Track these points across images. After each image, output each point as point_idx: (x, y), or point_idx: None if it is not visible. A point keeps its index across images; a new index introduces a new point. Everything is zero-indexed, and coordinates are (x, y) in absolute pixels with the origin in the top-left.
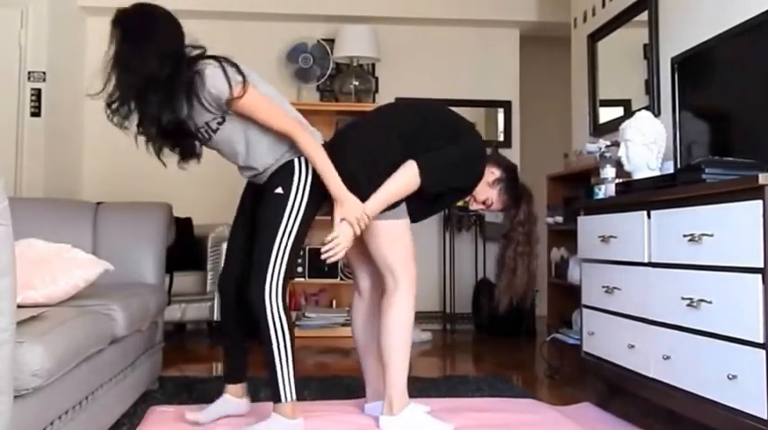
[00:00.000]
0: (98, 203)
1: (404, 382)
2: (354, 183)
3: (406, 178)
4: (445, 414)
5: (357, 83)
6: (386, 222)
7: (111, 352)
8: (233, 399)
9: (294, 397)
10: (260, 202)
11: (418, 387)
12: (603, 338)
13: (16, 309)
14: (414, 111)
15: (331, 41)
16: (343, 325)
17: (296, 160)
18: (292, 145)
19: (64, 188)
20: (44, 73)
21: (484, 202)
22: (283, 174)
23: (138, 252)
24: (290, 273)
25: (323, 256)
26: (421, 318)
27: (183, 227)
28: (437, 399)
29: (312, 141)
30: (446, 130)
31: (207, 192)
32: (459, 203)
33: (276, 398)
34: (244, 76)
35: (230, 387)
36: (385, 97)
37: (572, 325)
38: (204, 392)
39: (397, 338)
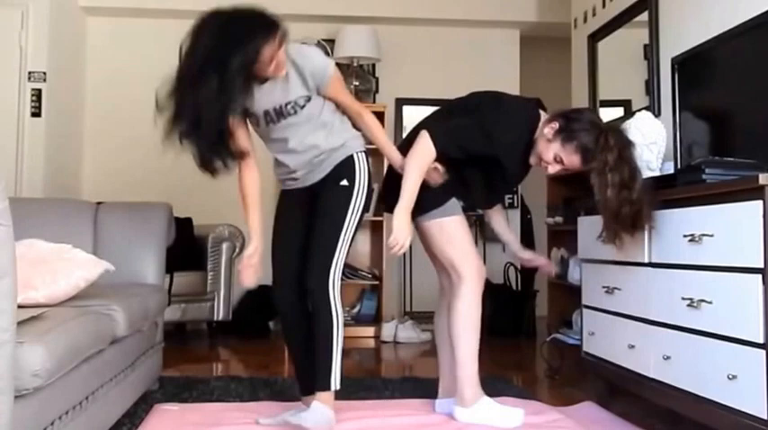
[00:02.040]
0: (98, 203)
1: (474, 374)
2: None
3: (419, 147)
4: (439, 415)
5: (357, 83)
6: (436, 221)
7: (111, 352)
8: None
9: (340, 384)
10: (314, 201)
11: (418, 387)
12: (604, 338)
13: (17, 309)
14: (449, 107)
15: (331, 42)
16: (345, 325)
17: (355, 156)
18: (348, 139)
19: (64, 188)
20: (44, 73)
21: (555, 160)
22: (346, 167)
23: (139, 252)
24: (343, 267)
25: (392, 251)
26: (421, 318)
27: (183, 227)
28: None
29: (377, 121)
30: (472, 105)
31: (207, 192)
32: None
33: (326, 385)
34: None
35: (306, 398)
36: (385, 97)
37: (572, 325)
38: (204, 392)
39: (463, 330)
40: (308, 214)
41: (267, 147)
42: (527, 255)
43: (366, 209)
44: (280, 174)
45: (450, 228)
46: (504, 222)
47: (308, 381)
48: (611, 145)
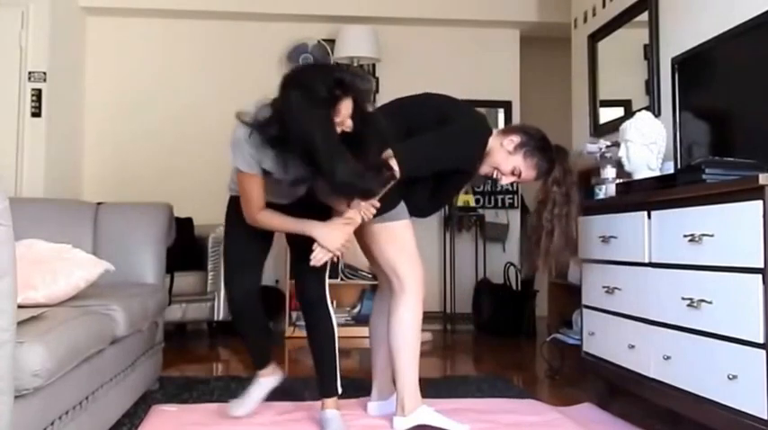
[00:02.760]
0: (98, 204)
1: (414, 383)
2: None
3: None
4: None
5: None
6: (384, 225)
7: (111, 352)
8: (268, 378)
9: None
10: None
11: (420, 387)
12: (604, 338)
13: (17, 309)
14: (403, 109)
15: (331, 42)
16: (344, 325)
17: None
18: None
19: (64, 188)
20: (45, 73)
21: (512, 172)
22: None
23: (139, 252)
24: None
25: (312, 263)
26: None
27: (183, 227)
28: (438, 400)
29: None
30: (432, 117)
31: (207, 192)
32: (464, 195)
33: (334, 391)
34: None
35: (262, 371)
36: (385, 97)
37: (572, 325)
38: (204, 392)
39: (404, 339)
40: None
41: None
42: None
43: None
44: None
45: (399, 232)
46: None
47: (265, 359)
48: (564, 166)
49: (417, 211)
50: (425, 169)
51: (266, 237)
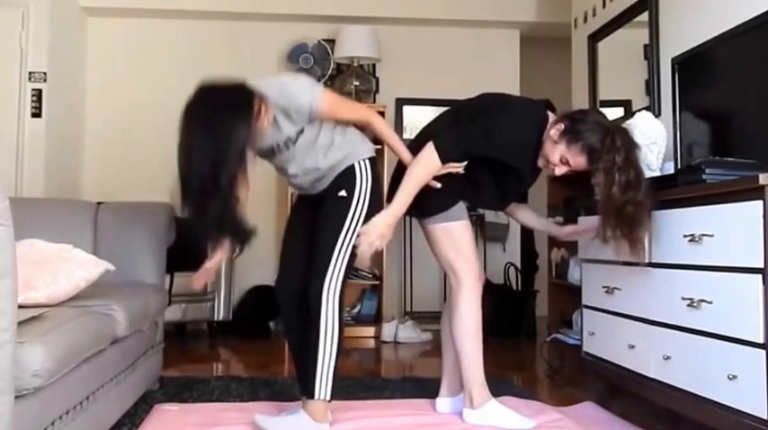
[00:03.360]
0: (99, 203)
1: (480, 376)
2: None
3: (422, 159)
4: (444, 415)
5: (358, 83)
6: (441, 226)
7: (111, 352)
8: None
9: (328, 397)
10: (319, 207)
11: (419, 387)
12: (604, 338)
13: (17, 309)
14: (456, 110)
15: (332, 42)
16: (346, 325)
17: (356, 164)
18: (350, 150)
19: (64, 188)
20: (45, 73)
21: (561, 161)
22: (346, 177)
23: (139, 252)
24: (346, 279)
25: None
26: (421, 318)
27: (183, 227)
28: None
29: (385, 123)
30: (474, 113)
31: None
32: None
33: (310, 393)
34: (320, 88)
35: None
36: (385, 97)
37: (572, 325)
38: (204, 392)
39: (465, 334)
40: (315, 219)
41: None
42: (568, 229)
43: (373, 213)
44: (288, 181)
45: (456, 232)
46: (530, 214)
47: (303, 382)
48: (617, 146)
49: (489, 205)
50: (462, 156)
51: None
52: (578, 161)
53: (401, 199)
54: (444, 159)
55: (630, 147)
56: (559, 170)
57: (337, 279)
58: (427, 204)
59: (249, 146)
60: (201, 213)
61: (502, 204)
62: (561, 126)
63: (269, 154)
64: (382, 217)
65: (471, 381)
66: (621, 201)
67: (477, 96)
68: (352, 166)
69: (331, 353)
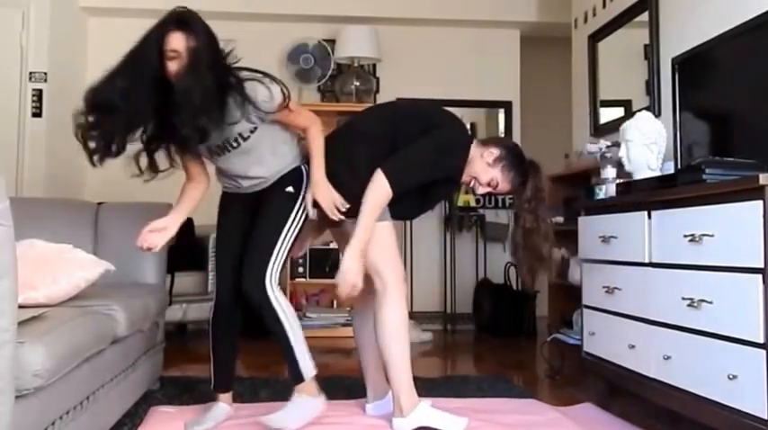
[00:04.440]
0: (99, 203)
1: (408, 382)
2: (337, 181)
3: (376, 191)
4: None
5: (358, 83)
6: None
7: (112, 352)
8: (226, 407)
9: (314, 371)
10: (258, 203)
11: (419, 387)
12: (604, 338)
13: (17, 309)
14: (387, 115)
15: (332, 42)
16: (344, 325)
17: (303, 167)
18: (296, 155)
19: (65, 188)
20: (45, 73)
21: (489, 184)
22: (293, 176)
23: (139, 252)
24: (282, 268)
25: (341, 291)
26: (421, 318)
27: (183, 227)
28: (438, 400)
29: (321, 135)
30: (418, 126)
31: (208, 192)
32: (464, 195)
33: (298, 377)
34: (286, 91)
35: (222, 395)
36: (386, 97)
37: (573, 325)
38: (205, 392)
39: (392, 338)
40: (251, 216)
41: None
42: None
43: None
44: (223, 182)
45: (381, 233)
46: None
47: (226, 378)
48: (536, 183)
49: (400, 215)
50: (414, 183)
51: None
52: (504, 187)
53: (361, 235)
54: (397, 189)
55: (540, 199)
56: (482, 190)
57: (276, 272)
58: (353, 206)
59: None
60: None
61: (410, 217)
62: (496, 152)
63: (218, 150)
64: (353, 258)
65: (399, 387)
66: (522, 242)
67: (401, 106)
68: (299, 168)
69: (297, 334)
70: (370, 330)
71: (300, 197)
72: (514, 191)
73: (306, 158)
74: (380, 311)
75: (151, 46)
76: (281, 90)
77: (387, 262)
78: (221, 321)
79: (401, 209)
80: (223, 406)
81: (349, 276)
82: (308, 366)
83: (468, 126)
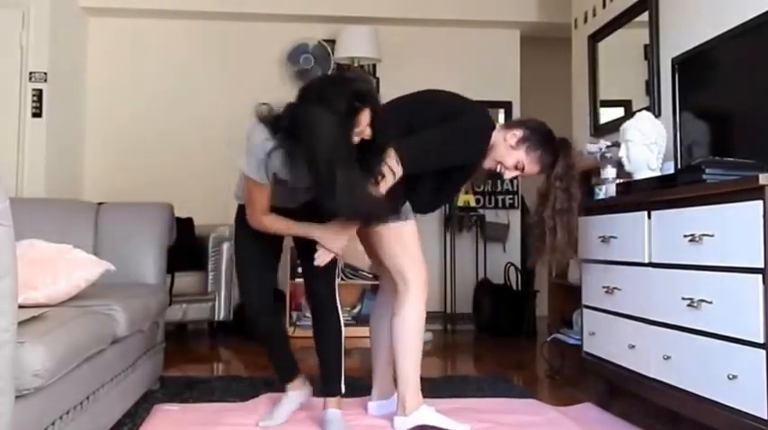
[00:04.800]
0: (99, 204)
1: (416, 383)
2: None
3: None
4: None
5: None
6: (389, 226)
7: (112, 352)
8: (297, 392)
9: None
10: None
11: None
12: (604, 338)
13: (17, 309)
14: (406, 102)
15: (332, 42)
16: (344, 325)
17: None
18: None
19: (65, 188)
20: (45, 73)
21: (515, 167)
22: None
23: (140, 252)
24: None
25: (315, 263)
26: None
27: (184, 227)
28: (438, 400)
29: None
30: (436, 111)
31: (208, 192)
32: (464, 195)
33: (337, 390)
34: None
35: (291, 384)
36: (385, 97)
37: (572, 325)
38: (205, 392)
39: (407, 339)
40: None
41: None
42: None
43: None
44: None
45: (405, 233)
46: None
47: (290, 371)
48: (569, 162)
49: (421, 208)
50: (427, 166)
51: (277, 241)
52: (532, 169)
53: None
54: (408, 169)
55: (572, 164)
56: (510, 174)
57: (337, 280)
58: (380, 213)
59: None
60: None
61: (431, 209)
62: (519, 133)
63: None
64: (347, 229)
65: (406, 386)
66: (550, 224)
67: (425, 94)
68: None
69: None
70: (386, 330)
71: None
72: (544, 171)
73: None
74: (400, 311)
75: None
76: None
77: (410, 262)
78: (263, 321)
79: (419, 203)
80: (292, 394)
81: (331, 244)
82: (343, 383)
83: None
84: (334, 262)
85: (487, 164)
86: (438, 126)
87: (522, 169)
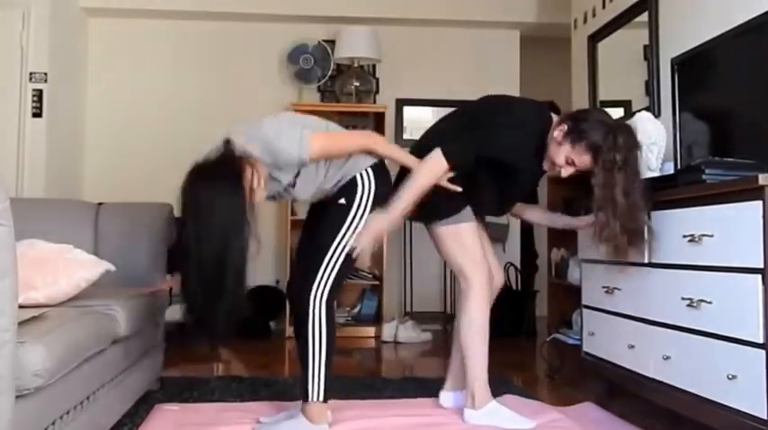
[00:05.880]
0: (99, 204)
1: (484, 377)
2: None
3: (427, 168)
4: (446, 414)
5: (358, 83)
6: (449, 228)
7: (112, 352)
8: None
9: (322, 398)
10: (320, 214)
11: (419, 387)
12: (604, 338)
13: (18, 309)
14: (462, 109)
15: (332, 42)
16: (344, 325)
17: (358, 176)
18: (351, 165)
19: (65, 188)
20: (45, 74)
21: (566, 162)
22: (348, 188)
23: (140, 252)
24: (339, 284)
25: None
26: (421, 318)
27: (184, 227)
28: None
29: (384, 142)
30: (478, 117)
31: None
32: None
33: (304, 397)
34: (302, 131)
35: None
36: (386, 98)
37: (572, 325)
38: (205, 392)
39: (471, 335)
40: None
41: None
42: (585, 220)
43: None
44: None
45: (463, 234)
46: (541, 213)
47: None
48: (619, 144)
49: (486, 210)
50: (468, 158)
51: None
52: (583, 160)
53: (399, 206)
54: (453, 162)
55: (631, 146)
56: (566, 171)
57: (326, 284)
58: (436, 209)
59: (250, 213)
60: (216, 292)
61: (500, 211)
62: (564, 127)
63: (272, 199)
64: (377, 223)
65: (474, 382)
66: (618, 202)
67: (481, 98)
68: (354, 178)
69: (320, 355)
70: None
71: (354, 208)
72: (597, 161)
73: (372, 163)
74: (466, 310)
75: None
76: (300, 142)
77: (470, 262)
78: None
79: (481, 202)
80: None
81: (364, 236)
82: (316, 390)
83: None
84: (315, 270)
85: (545, 165)
86: (480, 124)
87: (573, 163)
